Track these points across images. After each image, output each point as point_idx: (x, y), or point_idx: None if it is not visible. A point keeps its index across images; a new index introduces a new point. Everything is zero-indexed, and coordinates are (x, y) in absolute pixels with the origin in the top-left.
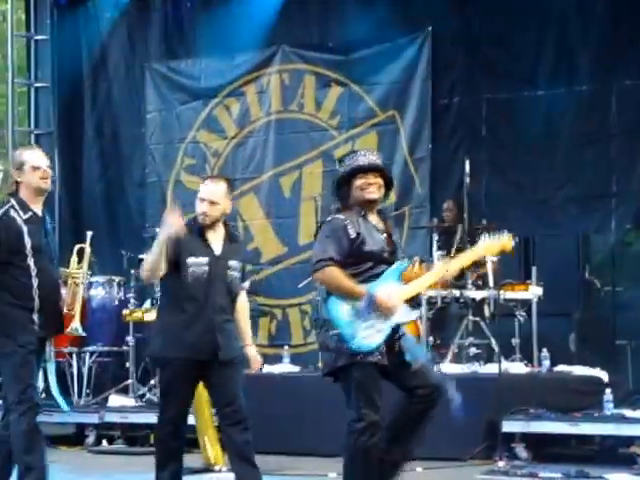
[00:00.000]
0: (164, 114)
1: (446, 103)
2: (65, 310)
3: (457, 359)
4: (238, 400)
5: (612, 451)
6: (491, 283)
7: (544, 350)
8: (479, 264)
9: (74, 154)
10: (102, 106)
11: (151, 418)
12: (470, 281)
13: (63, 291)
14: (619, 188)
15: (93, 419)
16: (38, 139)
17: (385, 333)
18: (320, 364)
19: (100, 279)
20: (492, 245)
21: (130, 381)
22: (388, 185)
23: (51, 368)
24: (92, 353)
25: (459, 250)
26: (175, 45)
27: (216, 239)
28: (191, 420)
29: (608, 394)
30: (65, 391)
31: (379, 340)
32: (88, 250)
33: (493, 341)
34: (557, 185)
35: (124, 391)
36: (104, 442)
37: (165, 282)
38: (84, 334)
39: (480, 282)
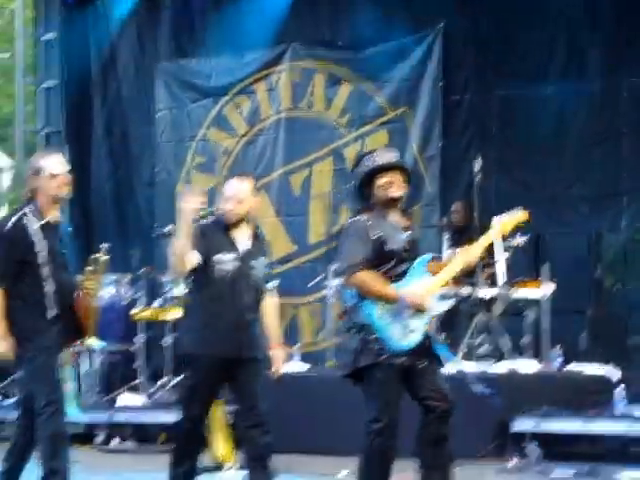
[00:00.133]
0: (174, 112)
1: (457, 101)
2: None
3: (467, 358)
4: (260, 402)
5: (623, 450)
6: (501, 281)
7: (556, 348)
8: (487, 264)
9: (83, 153)
10: (111, 105)
11: (161, 417)
12: (480, 279)
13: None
14: (630, 186)
15: (103, 418)
16: (47, 138)
17: (421, 331)
18: (330, 363)
19: (109, 278)
20: (508, 221)
21: (139, 380)
22: (408, 182)
23: (69, 374)
24: (101, 352)
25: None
26: (185, 43)
27: (242, 237)
28: None
29: (620, 392)
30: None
31: (416, 339)
32: (103, 259)
33: (504, 339)
34: (568, 183)
35: (134, 390)
36: (114, 441)
37: (192, 280)
38: (101, 346)
39: (490, 280)
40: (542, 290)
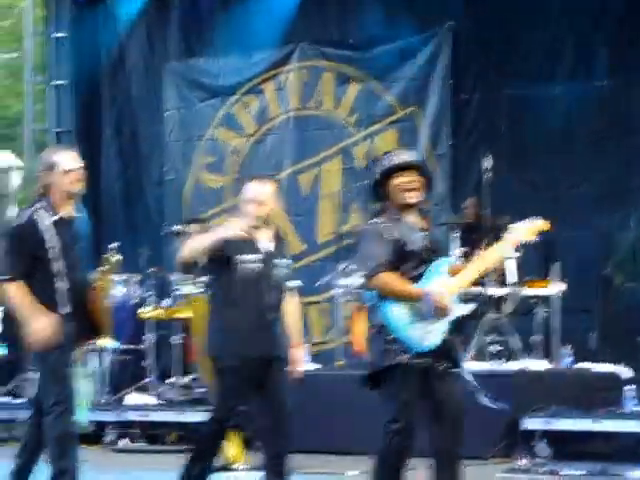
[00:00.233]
0: (183, 112)
1: (466, 100)
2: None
3: (477, 357)
4: (285, 406)
5: (634, 448)
6: (511, 280)
7: (566, 347)
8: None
9: (92, 152)
10: (121, 104)
11: (170, 417)
12: (490, 278)
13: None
14: (639, 184)
15: (112, 417)
16: (57, 137)
17: (442, 331)
18: (339, 363)
19: (118, 277)
20: (528, 228)
21: (149, 379)
22: (428, 183)
23: (84, 373)
24: (111, 351)
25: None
26: (194, 43)
27: (263, 238)
28: None
29: (630, 391)
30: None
31: (436, 340)
32: (115, 259)
33: (514, 338)
34: (577, 182)
35: (143, 389)
36: (123, 440)
37: (214, 282)
38: (114, 347)
39: (500, 279)
40: (552, 289)
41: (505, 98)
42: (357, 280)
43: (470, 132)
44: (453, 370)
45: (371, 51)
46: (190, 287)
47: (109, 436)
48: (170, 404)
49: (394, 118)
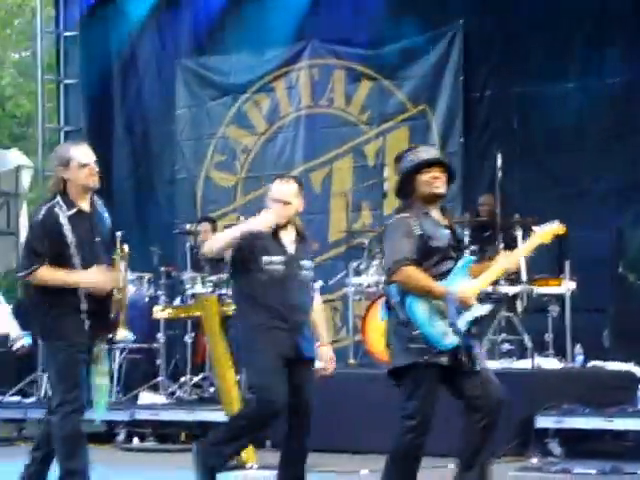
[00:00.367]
0: (194, 110)
1: (478, 97)
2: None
3: (490, 355)
4: (310, 408)
5: None
6: (524, 278)
7: (578, 345)
8: None
9: (104, 151)
10: (132, 103)
11: (182, 416)
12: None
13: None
14: None
15: (124, 416)
16: (67, 136)
17: (463, 330)
18: (351, 362)
19: (130, 276)
20: (546, 232)
21: (161, 378)
22: (449, 180)
23: (103, 370)
24: (122, 350)
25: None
26: (205, 41)
27: (289, 239)
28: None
29: None
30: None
31: (458, 338)
32: (126, 250)
33: (526, 337)
34: (589, 179)
35: (154, 388)
36: (135, 439)
37: (240, 283)
38: (133, 339)
39: (513, 277)
40: (564, 287)
41: (516, 96)
42: (370, 278)
43: (481, 130)
44: (476, 369)
45: (382, 49)
46: (201, 286)
47: (120, 435)
48: (181, 403)
49: (405, 116)
